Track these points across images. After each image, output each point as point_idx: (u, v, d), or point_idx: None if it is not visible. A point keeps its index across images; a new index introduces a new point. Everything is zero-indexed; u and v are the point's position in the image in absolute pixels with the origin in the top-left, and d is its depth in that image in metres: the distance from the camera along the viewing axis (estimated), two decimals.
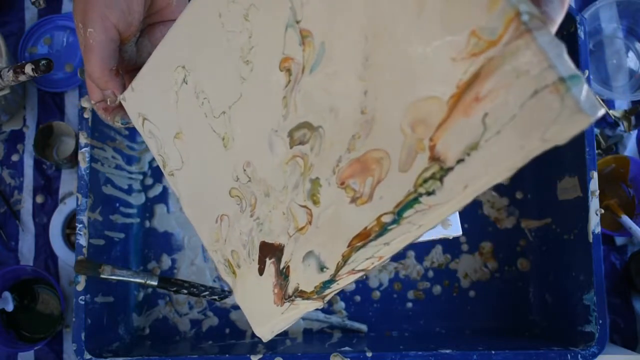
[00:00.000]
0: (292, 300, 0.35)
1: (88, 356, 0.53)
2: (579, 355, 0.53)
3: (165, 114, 0.38)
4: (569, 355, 0.53)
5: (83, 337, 0.54)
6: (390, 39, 0.27)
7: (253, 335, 0.64)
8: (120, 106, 0.40)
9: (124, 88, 0.39)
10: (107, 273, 0.55)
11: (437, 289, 0.65)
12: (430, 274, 0.66)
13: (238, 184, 0.35)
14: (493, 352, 0.53)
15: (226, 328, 0.65)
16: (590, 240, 0.55)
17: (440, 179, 0.26)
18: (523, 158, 0.23)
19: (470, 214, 0.66)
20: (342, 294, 0.65)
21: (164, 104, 0.38)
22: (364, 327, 0.63)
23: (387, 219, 0.29)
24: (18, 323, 0.66)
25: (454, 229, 0.45)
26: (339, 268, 0.32)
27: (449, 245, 0.66)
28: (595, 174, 0.55)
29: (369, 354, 0.53)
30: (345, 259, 0.32)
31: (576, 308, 0.57)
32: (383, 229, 0.29)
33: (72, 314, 0.56)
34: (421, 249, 0.66)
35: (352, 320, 0.63)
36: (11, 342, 0.65)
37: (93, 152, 0.57)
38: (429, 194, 0.27)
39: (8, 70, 0.49)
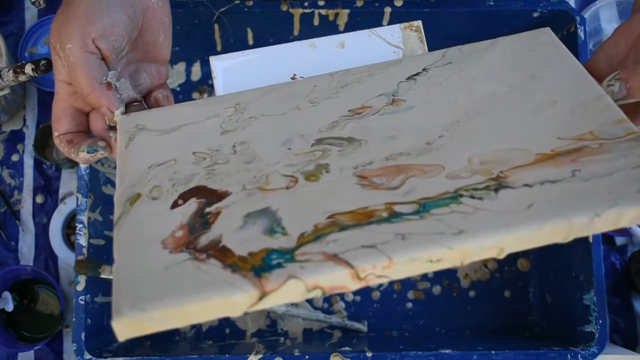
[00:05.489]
0: (198, 255, 0.26)
1: (88, 356, 0.53)
2: (579, 355, 0.53)
3: (169, 123, 0.37)
4: (569, 355, 0.53)
5: (83, 337, 0.54)
6: (492, 122, 0.32)
7: (253, 335, 0.64)
8: (87, 136, 0.38)
9: (120, 101, 0.37)
10: (107, 273, 0.55)
11: (437, 289, 0.65)
12: (430, 274, 0.66)
13: (212, 151, 0.34)
14: (493, 352, 0.53)
15: (226, 328, 0.65)
16: (590, 240, 0.55)
17: (495, 190, 0.27)
18: (610, 202, 0.26)
19: None
20: (342, 293, 0.65)
21: (177, 119, 0.37)
22: (364, 327, 0.63)
23: (403, 208, 0.27)
24: (18, 323, 0.66)
25: None
26: (303, 240, 0.26)
27: None
28: None
29: (369, 354, 0.53)
30: (319, 232, 0.26)
31: (576, 308, 0.57)
32: (394, 215, 0.26)
33: (72, 314, 0.56)
34: None
35: (352, 320, 0.63)
36: (11, 342, 0.65)
37: None
38: (472, 197, 0.27)
39: (8, 70, 0.49)
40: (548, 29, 0.38)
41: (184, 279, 0.25)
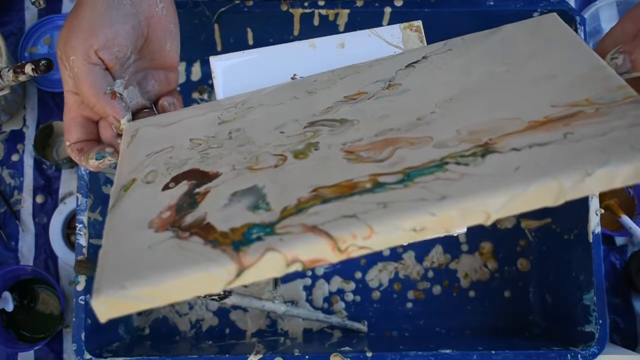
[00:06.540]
0: (181, 233, 0.26)
1: (88, 356, 0.53)
2: (579, 355, 0.53)
3: (171, 121, 0.38)
4: (569, 355, 0.53)
5: (83, 337, 0.54)
6: (487, 97, 0.31)
7: (253, 335, 0.64)
8: (97, 144, 0.38)
9: (126, 109, 0.37)
10: None
11: (437, 289, 0.65)
12: (430, 274, 0.66)
13: (208, 138, 0.34)
14: (493, 352, 0.53)
15: (226, 328, 0.65)
16: (590, 240, 0.55)
17: (482, 155, 0.27)
18: (601, 161, 0.25)
19: None
20: (342, 293, 0.65)
21: (176, 117, 0.38)
22: (364, 327, 0.63)
23: (387, 179, 0.26)
24: (18, 323, 0.66)
25: None
26: (285, 214, 0.25)
27: (449, 245, 0.66)
28: None
29: (369, 354, 0.53)
30: (302, 206, 0.26)
31: (576, 308, 0.57)
32: (377, 185, 0.26)
33: (72, 314, 0.56)
34: (421, 249, 0.66)
35: (352, 320, 0.63)
36: (11, 342, 0.65)
37: None
38: (458, 163, 0.26)
39: (8, 70, 0.49)
40: (554, 14, 0.37)
41: (166, 256, 0.25)
